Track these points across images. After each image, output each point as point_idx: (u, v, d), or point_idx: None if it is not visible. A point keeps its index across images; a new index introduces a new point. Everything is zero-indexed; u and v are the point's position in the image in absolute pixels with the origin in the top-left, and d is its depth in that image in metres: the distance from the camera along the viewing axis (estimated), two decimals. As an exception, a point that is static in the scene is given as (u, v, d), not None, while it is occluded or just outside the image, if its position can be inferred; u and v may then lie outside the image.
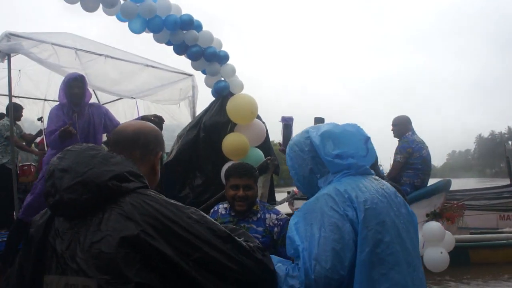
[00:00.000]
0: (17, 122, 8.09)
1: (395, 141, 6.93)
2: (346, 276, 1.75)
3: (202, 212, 1.61)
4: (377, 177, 2.10)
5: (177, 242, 1.47)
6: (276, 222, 3.26)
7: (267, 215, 3.30)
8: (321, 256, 1.74)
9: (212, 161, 6.13)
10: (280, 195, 9.05)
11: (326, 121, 6.90)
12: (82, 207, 1.50)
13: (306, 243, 1.82)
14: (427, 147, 6.79)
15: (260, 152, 6.08)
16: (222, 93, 6.31)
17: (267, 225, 3.23)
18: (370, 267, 1.77)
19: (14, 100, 7.13)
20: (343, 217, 1.81)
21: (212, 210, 3.52)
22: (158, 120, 5.12)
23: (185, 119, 7.93)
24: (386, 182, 2.10)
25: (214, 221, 1.60)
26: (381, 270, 1.78)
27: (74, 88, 5.11)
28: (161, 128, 5.14)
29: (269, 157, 4.46)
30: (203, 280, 1.48)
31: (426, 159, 6.63)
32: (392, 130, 6.88)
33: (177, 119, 8.20)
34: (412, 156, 6.53)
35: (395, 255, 1.82)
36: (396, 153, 6.67)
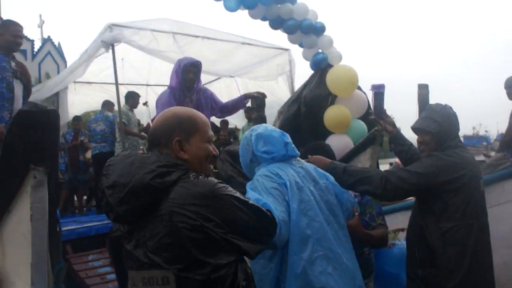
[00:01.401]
0: (133, 109, 8.50)
1: (505, 105, 6.42)
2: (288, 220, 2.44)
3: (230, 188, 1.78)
4: (298, 159, 2.81)
5: (223, 216, 1.66)
6: (355, 193, 3.38)
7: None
8: (275, 206, 2.32)
9: (315, 135, 6.04)
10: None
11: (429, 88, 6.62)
12: (138, 212, 1.65)
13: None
14: None
15: (362, 124, 5.92)
16: (321, 66, 6.18)
17: None
18: (299, 219, 2.48)
19: (119, 87, 7.45)
20: (279, 184, 2.51)
21: None
22: (261, 96, 5.09)
23: (284, 95, 7.90)
24: (305, 162, 2.85)
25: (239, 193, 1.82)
26: (305, 220, 2.49)
27: (190, 73, 5.05)
28: (263, 104, 5.13)
29: (376, 128, 4.29)
30: (233, 241, 1.69)
31: (545, 122, 6.08)
32: (506, 92, 6.37)
33: (275, 95, 8.16)
34: (530, 119, 6.00)
35: (313, 210, 2.54)
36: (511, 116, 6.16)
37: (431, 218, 3.14)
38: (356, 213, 2.97)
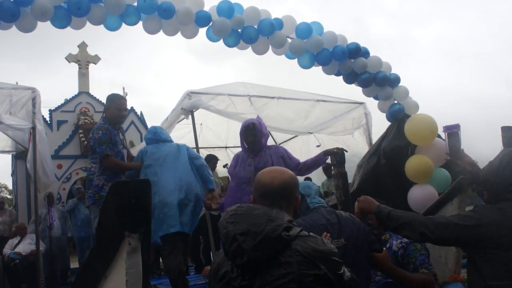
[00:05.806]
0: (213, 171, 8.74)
1: None
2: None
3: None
4: (166, 140, 5.63)
5: (334, 268, 1.85)
6: (400, 245, 3.42)
7: (393, 242, 3.48)
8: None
9: (397, 186, 5.94)
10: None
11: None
12: (266, 259, 1.80)
13: None
14: None
15: (446, 172, 5.76)
16: (398, 116, 6.15)
17: (393, 251, 3.43)
18: (153, 173, 5.21)
19: (200, 151, 7.67)
20: (142, 153, 5.48)
21: None
22: (341, 152, 5.07)
23: (361, 147, 7.83)
24: (173, 144, 5.62)
25: None
26: (156, 173, 5.21)
27: (248, 136, 5.13)
28: (343, 159, 5.10)
29: (462, 176, 4.14)
30: None
31: None
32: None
33: (352, 148, 8.03)
34: None
35: (162, 166, 5.30)
36: None
37: (475, 274, 2.75)
38: (384, 249, 3.10)
